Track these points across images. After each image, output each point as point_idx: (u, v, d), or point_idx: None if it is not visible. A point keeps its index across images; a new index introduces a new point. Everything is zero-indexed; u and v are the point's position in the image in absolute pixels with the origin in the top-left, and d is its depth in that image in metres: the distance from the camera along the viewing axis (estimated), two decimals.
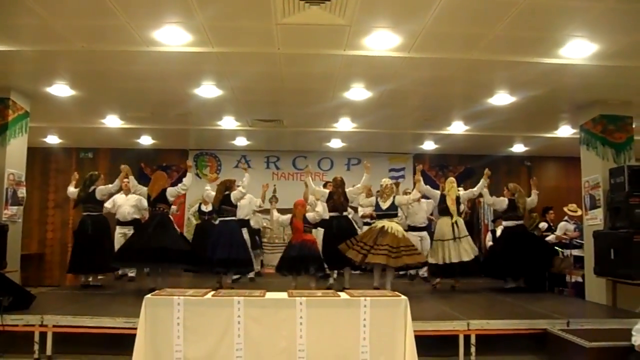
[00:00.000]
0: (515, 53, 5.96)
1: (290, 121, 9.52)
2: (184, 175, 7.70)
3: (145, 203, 8.20)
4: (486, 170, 8.06)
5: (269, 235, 11.17)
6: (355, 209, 9.24)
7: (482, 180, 7.99)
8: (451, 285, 8.12)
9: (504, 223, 8.16)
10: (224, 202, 7.40)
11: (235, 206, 7.53)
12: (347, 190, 7.58)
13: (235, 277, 8.21)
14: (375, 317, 4.28)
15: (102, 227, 7.79)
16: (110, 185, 7.88)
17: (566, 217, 9.25)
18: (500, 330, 5.23)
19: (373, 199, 7.75)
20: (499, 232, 9.15)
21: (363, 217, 9.05)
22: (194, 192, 10.01)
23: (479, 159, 11.49)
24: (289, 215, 7.37)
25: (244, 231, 8.26)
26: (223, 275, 7.43)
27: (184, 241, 7.56)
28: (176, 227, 7.73)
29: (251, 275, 8.78)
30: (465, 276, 8.05)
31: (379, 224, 7.28)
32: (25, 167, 8.04)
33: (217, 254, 7.11)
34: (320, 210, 7.48)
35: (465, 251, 7.72)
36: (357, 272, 8.23)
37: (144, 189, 7.39)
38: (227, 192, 7.43)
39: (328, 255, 7.27)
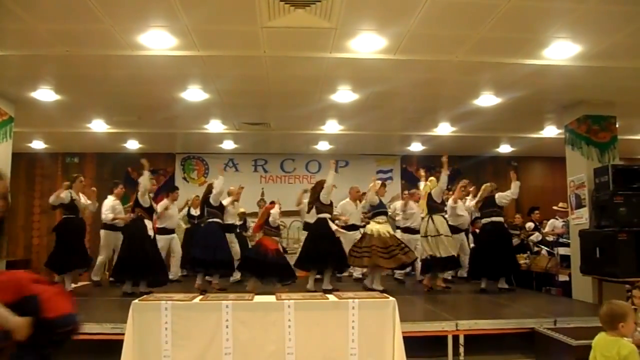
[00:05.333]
0: (499, 54, 6.01)
1: (278, 124, 9.52)
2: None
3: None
4: (443, 158, 7.90)
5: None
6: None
7: (442, 172, 7.86)
8: (445, 287, 8.05)
9: (483, 220, 8.15)
10: (208, 205, 7.50)
11: (220, 209, 7.59)
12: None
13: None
14: (364, 318, 4.29)
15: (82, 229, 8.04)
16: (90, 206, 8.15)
17: (556, 216, 9.38)
18: (489, 330, 5.26)
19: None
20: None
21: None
22: (183, 196, 9.95)
23: (466, 160, 11.58)
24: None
25: (233, 236, 8.41)
26: (207, 277, 7.49)
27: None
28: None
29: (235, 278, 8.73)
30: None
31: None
32: (10, 172, 7.95)
33: (198, 255, 7.32)
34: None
35: (450, 247, 7.70)
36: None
37: None
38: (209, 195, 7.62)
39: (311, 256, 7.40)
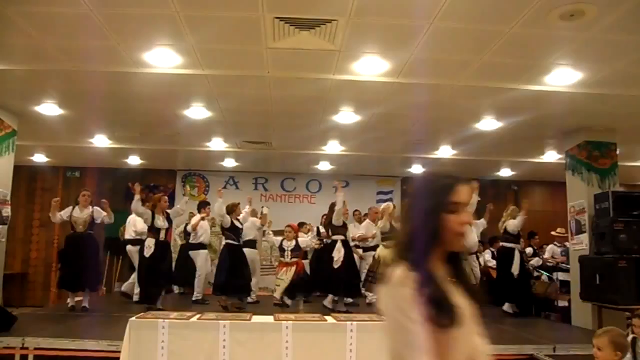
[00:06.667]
0: (501, 80, 6.06)
1: (279, 143, 9.55)
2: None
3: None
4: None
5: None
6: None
7: None
8: None
9: (502, 243, 8.18)
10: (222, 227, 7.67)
11: (234, 230, 7.65)
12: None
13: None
14: (362, 341, 4.26)
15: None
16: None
17: (555, 242, 9.36)
18: None
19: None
20: (485, 256, 9.21)
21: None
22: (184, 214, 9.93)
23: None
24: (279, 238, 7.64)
25: (254, 252, 8.42)
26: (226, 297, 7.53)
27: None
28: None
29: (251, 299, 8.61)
30: None
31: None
32: (11, 185, 7.97)
33: (220, 279, 7.36)
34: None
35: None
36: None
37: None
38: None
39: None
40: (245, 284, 7.64)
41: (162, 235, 7.39)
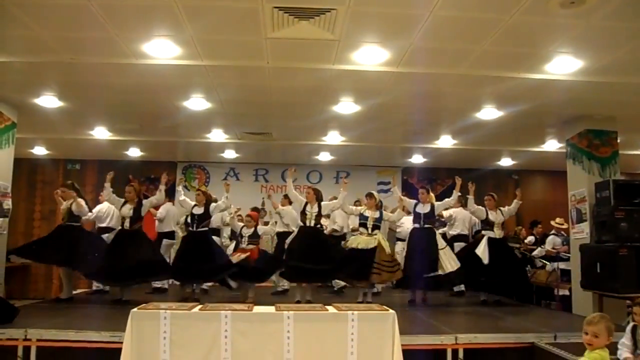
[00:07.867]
0: (502, 69, 6.05)
1: (279, 134, 9.54)
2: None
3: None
4: (456, 178, 7.75)
5: None
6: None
7: (454, 192, 7.72)
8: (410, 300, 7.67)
9: (484, 232, 8.03)
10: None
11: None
12: (322, 203, 7.38)
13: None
14: (363, 331, 4.27)
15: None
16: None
17: (553, 231, 9.36)
18: (488, 344, 5.21)
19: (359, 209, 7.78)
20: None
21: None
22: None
23: (467, 173, 11.51)
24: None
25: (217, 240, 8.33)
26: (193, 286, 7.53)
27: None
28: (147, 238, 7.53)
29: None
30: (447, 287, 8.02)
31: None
32: (12, 178, 7.97)
33: (192, 264, 7.11)
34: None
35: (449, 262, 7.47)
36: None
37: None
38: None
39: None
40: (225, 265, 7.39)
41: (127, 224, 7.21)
